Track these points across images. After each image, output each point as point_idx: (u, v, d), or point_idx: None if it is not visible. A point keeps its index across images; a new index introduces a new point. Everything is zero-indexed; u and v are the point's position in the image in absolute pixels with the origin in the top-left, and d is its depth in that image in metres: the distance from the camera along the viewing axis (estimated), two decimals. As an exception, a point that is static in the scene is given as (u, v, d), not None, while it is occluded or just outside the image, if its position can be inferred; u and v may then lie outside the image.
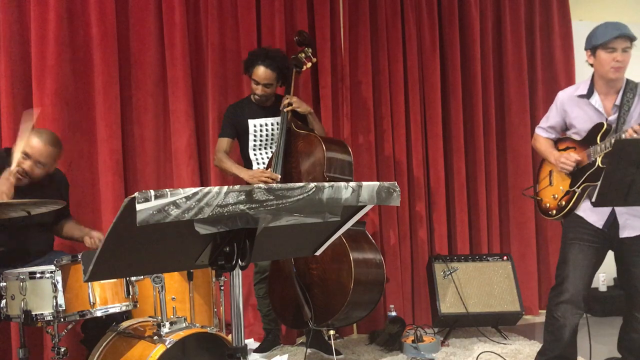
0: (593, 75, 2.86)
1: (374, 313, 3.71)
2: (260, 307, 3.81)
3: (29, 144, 2.87)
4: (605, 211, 2.75)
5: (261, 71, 3.57)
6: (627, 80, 2.80)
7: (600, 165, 2.70)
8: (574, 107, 2.89)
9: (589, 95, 2.84)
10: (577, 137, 2.90)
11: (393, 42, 4.42)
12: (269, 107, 3.74)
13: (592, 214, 2.78)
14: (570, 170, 2.83)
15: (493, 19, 4.70)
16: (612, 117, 2.78)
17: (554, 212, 2.93)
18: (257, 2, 4.10)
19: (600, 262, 2.84)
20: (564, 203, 2.88)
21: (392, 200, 1.45)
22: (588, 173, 2.76)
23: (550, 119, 3.03)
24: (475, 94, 4.59)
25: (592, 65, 2.82)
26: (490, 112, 4.65)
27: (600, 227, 2.77)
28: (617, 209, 2.73)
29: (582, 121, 2.85)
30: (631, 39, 2.69)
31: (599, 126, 2.78)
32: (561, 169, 2.87)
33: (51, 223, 3.21)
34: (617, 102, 2.78)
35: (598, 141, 2.74)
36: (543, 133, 3.08)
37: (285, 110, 3.61)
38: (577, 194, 2.80)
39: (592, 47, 2.76)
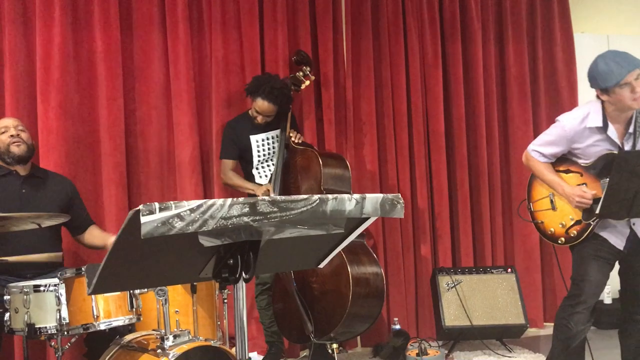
0: (603, 106, 2.76)
1: (377, 326, 3.69)
2: (262, 319, 3.80)
3: None
4: (626, 233, 2.76)
5: (264, 105, 3.66)
6: None
7: None
8: (586, 139, 2.79)
9: (605, 127, 2.74)
10: (582, 163, 2.84)
11: (396, 55, 4.44)
12: (268, 122, 3.79)
13: (613, 236, 2.77)
14: (588, 207, 2.76)
15: (495, 31, 4.71)
16: (627, 146, 2.74)
17: (563, 240, 2.86)
18: (260, 16, 4.13)
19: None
20: (575, 233, 2.81)
21: (395, 212, 1.44)
22: None
23: (556, 148, 2.88)
24: (478, 106, 4.60)
25: (602, 100, 2.74)
26: (493, 124, 4.65)
27: (622, 249, 2.78)
28: (637, 229, 2.75)
29: (596, 151, 2.78)
30: (638, 66, 2.64)
31: (611, 156, 2.69)
32: (577, 206, 2.79)
33: (74, 232, 3.31)
34: (631, 129, 2.74)
35: None
36: (542, 159, 2.93)
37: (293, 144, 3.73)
38: (592, 226, 2.76)
39: (606, 88, 2.68)
